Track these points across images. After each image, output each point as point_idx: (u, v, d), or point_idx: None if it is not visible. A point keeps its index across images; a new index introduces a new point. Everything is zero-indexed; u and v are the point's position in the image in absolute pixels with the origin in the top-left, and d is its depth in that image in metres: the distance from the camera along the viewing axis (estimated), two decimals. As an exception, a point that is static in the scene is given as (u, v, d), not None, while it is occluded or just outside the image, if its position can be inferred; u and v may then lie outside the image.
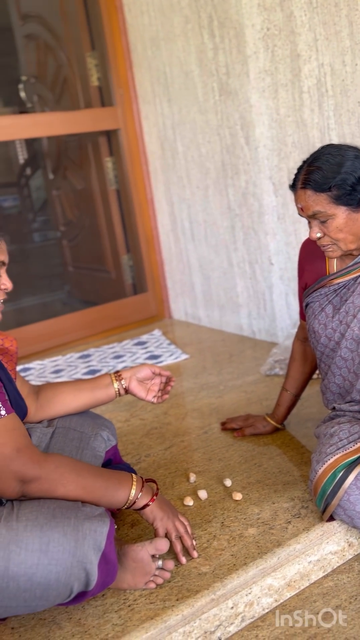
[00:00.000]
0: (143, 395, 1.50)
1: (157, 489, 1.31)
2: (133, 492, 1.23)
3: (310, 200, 1.37)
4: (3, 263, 1.27)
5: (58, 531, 1.07)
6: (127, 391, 1.51)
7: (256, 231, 2.63)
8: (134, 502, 1.24)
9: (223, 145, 2.67)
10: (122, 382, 1.49)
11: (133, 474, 1.27)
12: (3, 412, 1.13)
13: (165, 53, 2.85)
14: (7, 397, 1.18)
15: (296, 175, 1.42)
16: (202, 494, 1.55)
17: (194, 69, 2.71)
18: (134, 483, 1.24)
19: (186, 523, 1.34)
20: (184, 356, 2.69)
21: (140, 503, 1.25)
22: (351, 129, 2.08)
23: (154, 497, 1.27)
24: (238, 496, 1.52)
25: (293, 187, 1.43)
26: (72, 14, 3.21)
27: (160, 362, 2.65)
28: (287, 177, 2.40)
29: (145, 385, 1.51)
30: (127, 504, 1.24)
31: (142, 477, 1.28)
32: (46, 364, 2.82)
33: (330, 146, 1.41)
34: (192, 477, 1.65)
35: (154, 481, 1.33)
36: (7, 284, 1.28)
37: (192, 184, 2.93)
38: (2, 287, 1.28)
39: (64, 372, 2.67)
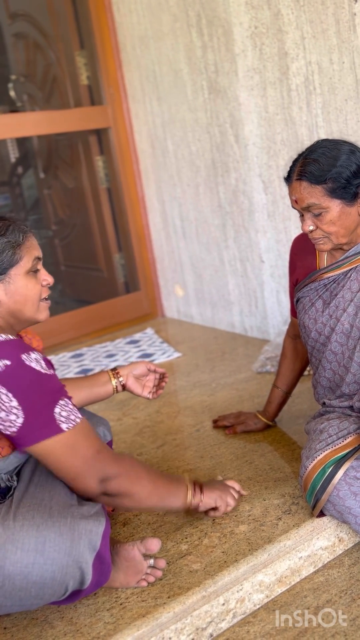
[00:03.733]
0: (139, 392, 1.54)
1: (200, 483, 1.36)
2: (190, 493, 1.31)
3: (305, 192, 1.38)
4: (39, 258, 1.27)
5: (54, 531, 1.08)
6: (124, 388, 1.53)
7: (247, 229, 2.63)
8: (190, 502, 1.32)
9: (213, 143, 2.67)
10: (120, 379, 1.52)
11: (184, 475, 1.39)
12: (79, 417, 1.17)
13: (154, 52, 2.85)
14: None
15: (291, 167, 1.43)
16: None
17: (183, 67, 2.71)
18: (187, 484, 1.32)
19: (235, 494, 1.42)
20: (177, 354, 2.69)
21: (196, 501, 1.33)
22: (339, 126, 2.09)
23: (202, 493, 1.34)
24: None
25: (288, 179, 1.43)
26: (61, 13, 3.20)
27: (153, 360, 2.66)
28: (277, 174, 2.40)
29: (141, 381, 1.55)
30: (186, 505, 1.32)
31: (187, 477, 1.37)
32: (39, 364, 2.82)
33: (326, 140, 1.42)
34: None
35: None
36: (48, 279, 1.29)
37: (183, 182, 2.94)
38: (44, 282, 1.28)
39: (57, 371, 2.67)
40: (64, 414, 1.14)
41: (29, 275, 1.24)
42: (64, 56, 3.27)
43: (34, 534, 1.07)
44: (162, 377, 1.58)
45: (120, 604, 1.21)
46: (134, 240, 3.31)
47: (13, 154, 5.00)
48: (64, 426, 1.13)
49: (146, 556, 1.28)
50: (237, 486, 1.45)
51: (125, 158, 3.21)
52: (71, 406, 1.16)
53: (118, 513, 1.53)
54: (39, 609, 1.22)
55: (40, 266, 1.27)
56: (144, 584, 1.25)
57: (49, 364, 1.18)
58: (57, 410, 1.13)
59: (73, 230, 3.79)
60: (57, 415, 1.13)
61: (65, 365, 2.75)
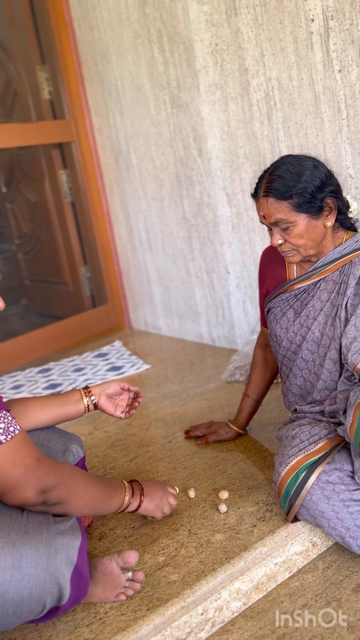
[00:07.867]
0: (112, 411, 1.52)
1: (142, 487, 1.42)
2: (127, 497, 1.36)
3: (272, 208, 1.42)
4: None
5: (30, 547, 1.07)
6: (96, 407, 1.51)
7: (212, 241, 2.67)
8: (127, 507, 1.37)
9: (177, 157, 2.71)
10: (92, 398, 1.50)
11: (123, 480, 1.39)
12: (18, 427, 1.16)
13: (116, 67, 2.88)
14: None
15: (257, 184, 1.47)
16: (191, 493, 1.61)
17: (145, 82, 2.74)
18: (126, 489, 1.37)
19: (174, 502, 1.47)
20: (146, 366, 2.70)
21: (133, 507, 1.39)
22: (299, 140, 2.15)
23: (142, 497, 1.40)
24: (225, 494, 1.56)
25: (255, 195, 1.47)
26: (21, 28, 3.20)
27: (122, 373, 2.65)
28: (240, 187, 2.45)
29: (114, 400, 1.53)
30: (121, 509, 1.36)
31: (128, 482, 1.40)
32: (5, 380, 2.78)
33: (289, 156, 1.46)
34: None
35: (135, 480, 1.44)
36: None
37: (148, 196, 2.96)
38: None
39: (24, 387, 2.64)
40: (2, 425, 1.14)
41: None
42: (25, 71, 3.27)
43: (10, 550, 1.05)
44: (135, 396, 1.56)
45: (100, 619, 1.21)
46: (100, 253, 3.31)
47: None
48: (1, 438, 1.13)
49: (124, 569, 1.28)
50: (174, 491, 1.51)
51: (89, 172, 3.21)
52: (10, 418, 1.16)
53: (94, 527, 1.52)
54: (16, 629, 1.20)
55: None
56: (123, 597, 1.25)
57: None
58: None
59: (37, 244, 3.77)
60: None
61: (33, 380, 2.72)
